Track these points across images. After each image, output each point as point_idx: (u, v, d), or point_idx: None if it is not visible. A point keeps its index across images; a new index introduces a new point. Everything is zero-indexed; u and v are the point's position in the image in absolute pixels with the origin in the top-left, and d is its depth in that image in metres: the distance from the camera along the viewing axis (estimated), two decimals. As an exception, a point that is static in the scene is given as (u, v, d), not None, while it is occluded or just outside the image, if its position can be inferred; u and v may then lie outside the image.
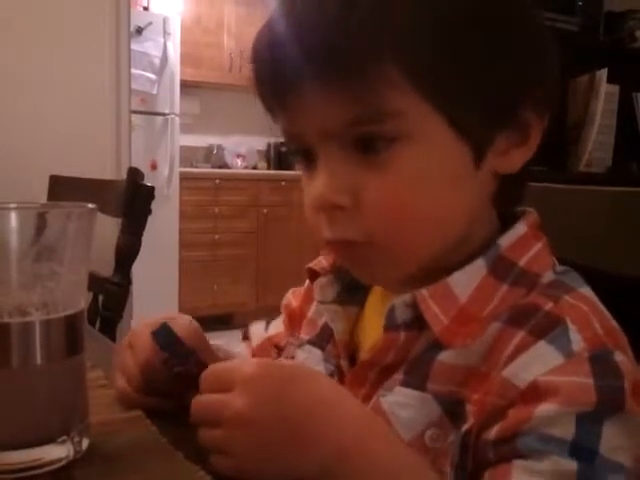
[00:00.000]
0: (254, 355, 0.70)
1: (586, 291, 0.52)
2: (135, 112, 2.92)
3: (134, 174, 1.26)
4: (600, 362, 0.46)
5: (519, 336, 0.49)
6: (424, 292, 0.51)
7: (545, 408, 0.45)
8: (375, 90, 0.48)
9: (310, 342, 0.63)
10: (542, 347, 0.47)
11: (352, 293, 0.61)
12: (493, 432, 0.45)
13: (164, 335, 0.53)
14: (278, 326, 0.71)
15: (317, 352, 0.62)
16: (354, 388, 0.54)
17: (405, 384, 0.51)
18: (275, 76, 0.51)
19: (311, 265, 0.63)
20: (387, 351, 0.53)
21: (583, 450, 0.44)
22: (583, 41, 2.28)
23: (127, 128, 2.36)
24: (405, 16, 0.49)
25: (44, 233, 0.43)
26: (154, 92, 3.63)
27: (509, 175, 0.54)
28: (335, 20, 0.48)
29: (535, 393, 0.46)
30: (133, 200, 1.26)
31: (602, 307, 0.51)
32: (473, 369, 0.49)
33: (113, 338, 1.16)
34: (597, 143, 2.30)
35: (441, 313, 0.51)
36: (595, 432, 0.44)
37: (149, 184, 1.27)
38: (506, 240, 0.53)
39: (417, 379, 0.50)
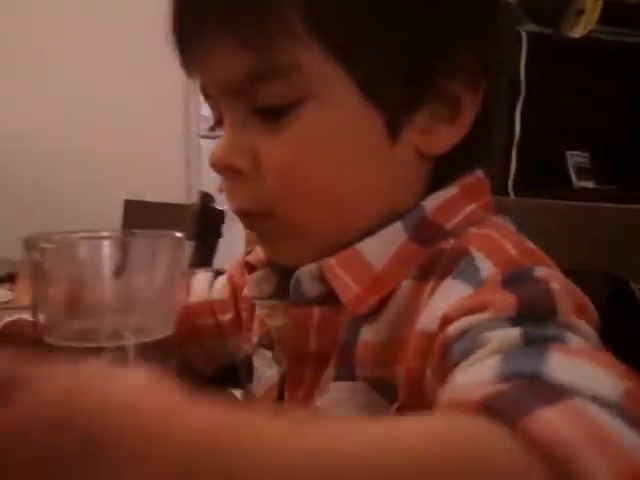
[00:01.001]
0: (187, 312, 0.61)
1: (498, 218, 0.46)
2: (204, 137, 2.98)
3: (205, 198, 1.28)
4: (516, 280, 0.39)
5: (429, 286, 0.43)
6: (331, 261, 0.45)
7: (460, 322, 0.37)
8: (272, 38, 0.44)
9: (261, 343, 0.55)
10: (448, 284, 0.41)
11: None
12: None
13: None
14: (222, 291, 0.63)
15: (268, 354, 0.55)
16: (292, 390, 0.48)
17: (337, 377, 0.46)
18: (179, 21, 0.48)
19: (248, 258, 0.55)
20: (301, 331, 0.47)
21: (526, 318, 0.36)
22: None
23: (196, 153, 2.41)
24: None
25: (135, 260, 0.44)
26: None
27: (443, 158, 0.47)
28: None
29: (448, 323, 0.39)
30: (204, 223, 1.28)
31: (517, 231, 0.44)
32: (396, 341, 0.44)
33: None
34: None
35: (352, 282, 0.45)
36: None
37: (220, 207, 1.29)
38: (430, 203, 0.46)
39: (347, 368, 0.45)
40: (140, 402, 0.28)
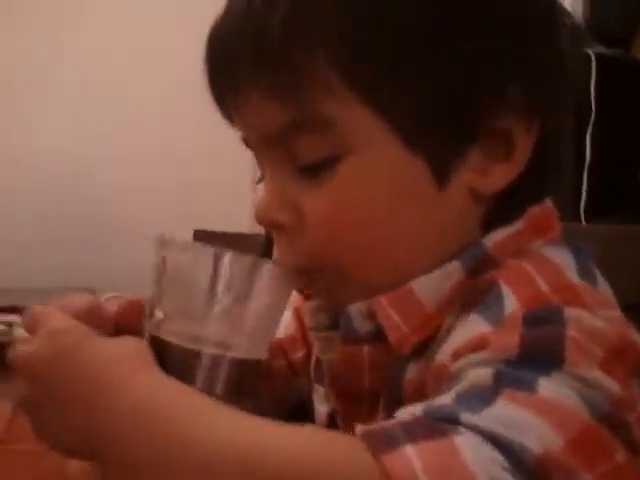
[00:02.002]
0: None
1: (548, 249, 0.43)
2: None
3: (271, 227, 1.29)
4: (538, 321, 0.37)
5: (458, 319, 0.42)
6: (382, 299, 0.44)
7: (462, 360, 0.37)
8: (307, 91, 0.43)
9: (316, 379, 0.54)
10: (470, 318, 0.40)
11: None
12: None
13: None
14: (290, 327, 0.63)
15: (321, 390, 0.54)
16: (346, 429, 0.46)
17: (387, 418, 0.43)
18: (214, 75, 0.48)
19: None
20: (353, 369, 0.46)
21: (524, 364, 0.35)
22: None
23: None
24: (340, 8, 0.43)
25: (249, 280, 0.45)
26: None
27: (503, 193, 0.45)
28: (262, 12, 0.43)
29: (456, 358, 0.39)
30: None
31: (576, 263, 0.41)
32: None
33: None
34: None
35: (402, 322, 0.44)
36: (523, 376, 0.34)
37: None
38: (491, 239, 0.45)
39: (395, 407, 0.43)
40: (116, 359, 0.39)
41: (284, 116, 0.44)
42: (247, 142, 0.50)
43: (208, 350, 0.44)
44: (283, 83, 0.43)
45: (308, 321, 0.53)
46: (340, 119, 0.43)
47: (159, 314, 0.45)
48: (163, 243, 0.46)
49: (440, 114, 0.44)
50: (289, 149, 0.45)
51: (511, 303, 0.39)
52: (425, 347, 0.44)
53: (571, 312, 0.38)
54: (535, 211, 0.46)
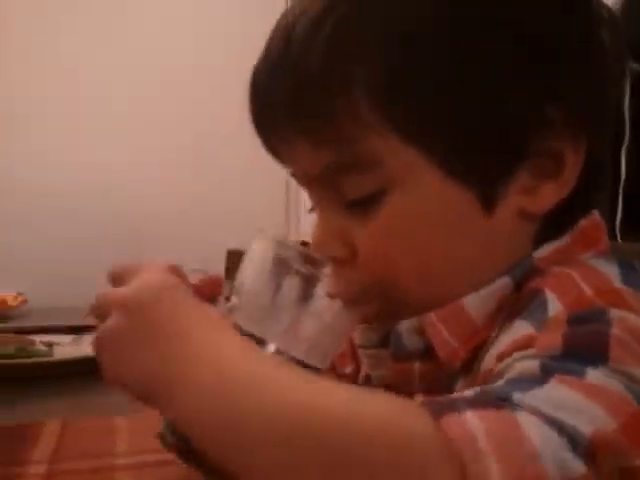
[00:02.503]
0: None
1: (592, 259, 0.43)
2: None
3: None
4: (582, 321, 0.37)
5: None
6: (432, 316, 0.45)
7: (507, 360, 0.37)
8: (347, 133, 0.43)
9: None
10: (515, 324, 0.40)
11: None
12: None
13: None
14: None
15: None
16: None
17: None
18: (257, 117, 0.49)
19: None
20: (401, 384, 0.47)
21: (568, 360, 0.35)
22: None
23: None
24: (374, 48, 0.43)
25: (307, 292, 0.46)
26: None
27: (553, 210, 0.45)
28: (300, 56, 0.44)
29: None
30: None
31: (612, 274, 0.41)
32: None
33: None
34: None
35: (451, 337, 0.45)
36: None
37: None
38: (541, 253, 0.45)
39: None
40: (205, 314, 0.42)
41: (327, 157, 0.45)
42: (295, 177, 0.51)
43: (271, 343, 0.45)
44: (324, 127, 0.44)
45: (358, 339, 0.54)
46: (382, 155, 0.44)
47: (235, 300, 0.47)
48: (260, 236, 0.47)
49: (481, 142, 0.44)
50: (335, 187, 0.46)
51: (555, 307, 0.39)
52: (473, 361, 0.45)
53: (615, 313, 0.38)
54: (583, 224, 0.46)
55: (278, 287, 0.46)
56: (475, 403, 0.32)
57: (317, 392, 0.35)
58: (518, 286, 0.45)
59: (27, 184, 2.39)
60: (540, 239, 0.47)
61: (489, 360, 0.41)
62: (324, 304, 0.46)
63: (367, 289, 0.47)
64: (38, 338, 1.17)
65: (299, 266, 0.46)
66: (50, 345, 1.13)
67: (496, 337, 0.43)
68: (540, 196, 0.45)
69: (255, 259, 0.48)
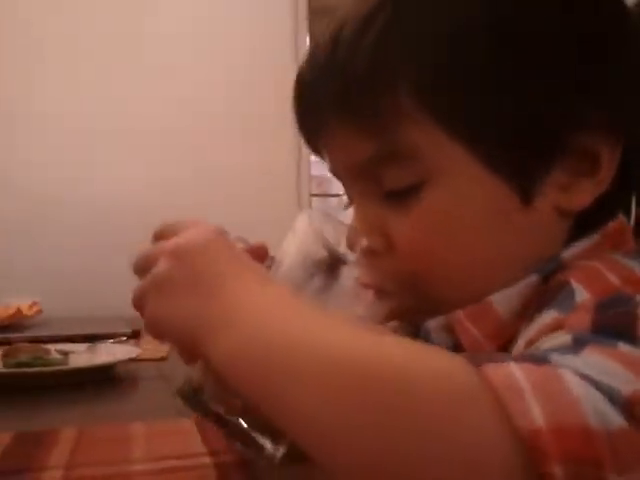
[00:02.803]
0: None
1: (617, 255, 0.43)
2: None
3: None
4: (610, 306, 0.37)
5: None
6: (460, 313, 0.46)
7: (537, 343, 0.38)
8: (390, 125, 0.44)
9: None
10: (544, 314, 0.41)
11: None
12: None
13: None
14: None
15: None
16: None
17: None
18: (302, 118, 0.50)
19: None
20: None
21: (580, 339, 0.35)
22: None
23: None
24: (419, 42, 0.44)
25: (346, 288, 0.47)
26: (329, 175, 3.75)
27: (586, 209, 0.46)
28: (347, 59, 0.45)
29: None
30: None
31: (635, 265, 0.41)
32: None
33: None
34: None
35: (480, 335, 0.45)
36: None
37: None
38: (569, 252, 0.46)
39: None
40: (252, 267, 0.43)
41: (369, 149, 0.46)
42: (334, 173, 0.52)
43: None
44: (368, 120, 0.45)
45: None
46: (423, 147, 0.45)
47: (275, 269, 0.48)
48: (306, 213, 0.48)
49: (520, 137, 0.45)
50: (375, 178, 0.47)
51: (582, 295, 0.40)
52: None
53: None
54: (611, 225, 0.47)
55: (312, 275, 0.47)
56: (517, 358, 0.32)
57: (366, 338, 0.35)
58: (545, 280, 0.46)
59: (44, 194, 2.41)
60: (569, 238, 0.48)
61: (517, 349, 0.41)
62: (356, 295, 0.46)
63: (401, 281, 0.48)
64: (53, 347, 1.18)
65: (333, 259, 0.47)
66: (65, 354, 1.14)
67: (525, 329, 0.43)
68: (576, 194, 0.46)
69: (298, 234, 0.48)
